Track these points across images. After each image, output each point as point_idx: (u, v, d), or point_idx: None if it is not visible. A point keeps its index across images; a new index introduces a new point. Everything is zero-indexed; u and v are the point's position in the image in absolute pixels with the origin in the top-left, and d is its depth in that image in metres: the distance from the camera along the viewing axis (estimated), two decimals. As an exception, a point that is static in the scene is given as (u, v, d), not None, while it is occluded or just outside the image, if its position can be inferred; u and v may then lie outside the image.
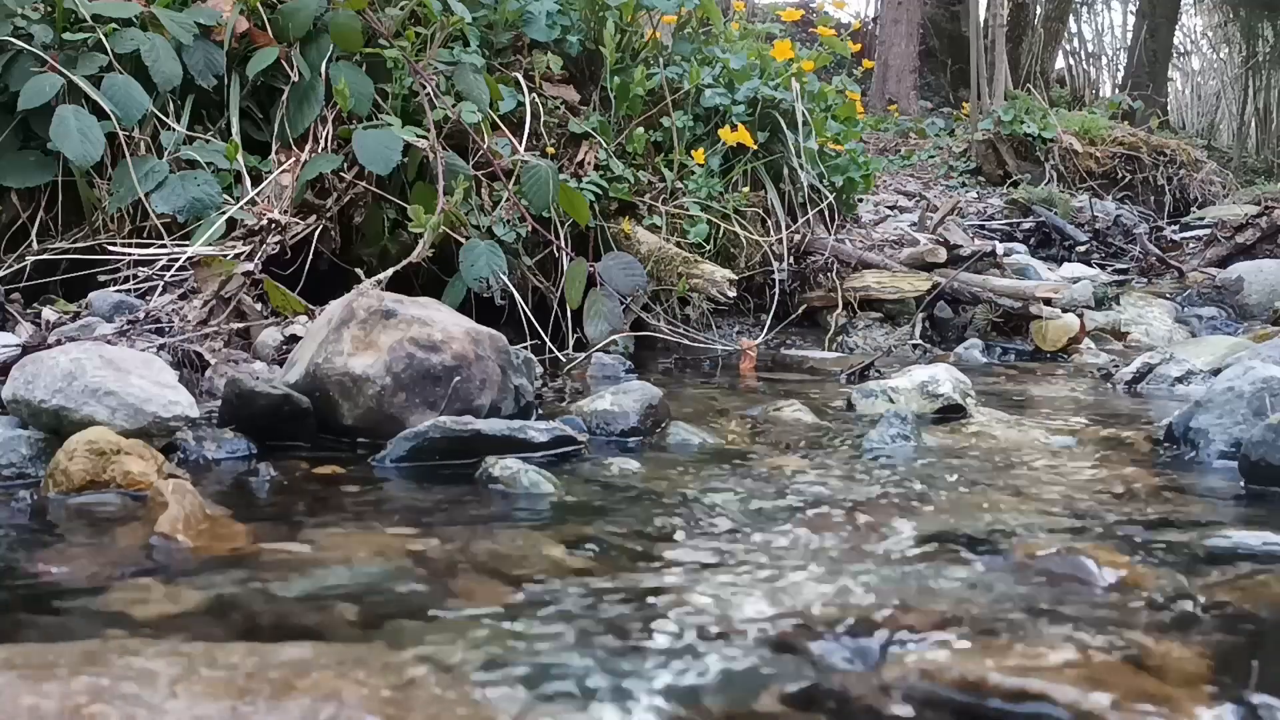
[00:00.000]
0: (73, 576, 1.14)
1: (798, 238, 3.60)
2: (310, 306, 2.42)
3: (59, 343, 1.88)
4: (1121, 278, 4.83)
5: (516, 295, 2.82)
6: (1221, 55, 16.60)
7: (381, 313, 1.85)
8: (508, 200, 2.92)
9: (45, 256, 2.61)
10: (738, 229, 3.41)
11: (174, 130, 2.70)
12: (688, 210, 3.36)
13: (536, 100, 3.22)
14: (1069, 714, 0.82)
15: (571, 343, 2.94)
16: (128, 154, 2.61)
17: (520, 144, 3.04)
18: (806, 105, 3.68)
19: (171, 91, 2.72)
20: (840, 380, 2.66)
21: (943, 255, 3.75)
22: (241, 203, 2.61)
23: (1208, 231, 5.97)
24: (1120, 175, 7.76)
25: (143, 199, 2.57)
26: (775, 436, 1.93)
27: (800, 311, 3.50)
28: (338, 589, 1.09)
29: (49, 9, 2.66)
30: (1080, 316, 3.36)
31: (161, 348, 2.06)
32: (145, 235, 2.61)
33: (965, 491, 1.54)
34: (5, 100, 2.56)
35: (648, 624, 1.01)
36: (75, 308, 2.36)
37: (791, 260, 3.54)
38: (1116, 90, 13.48)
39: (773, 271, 3.46)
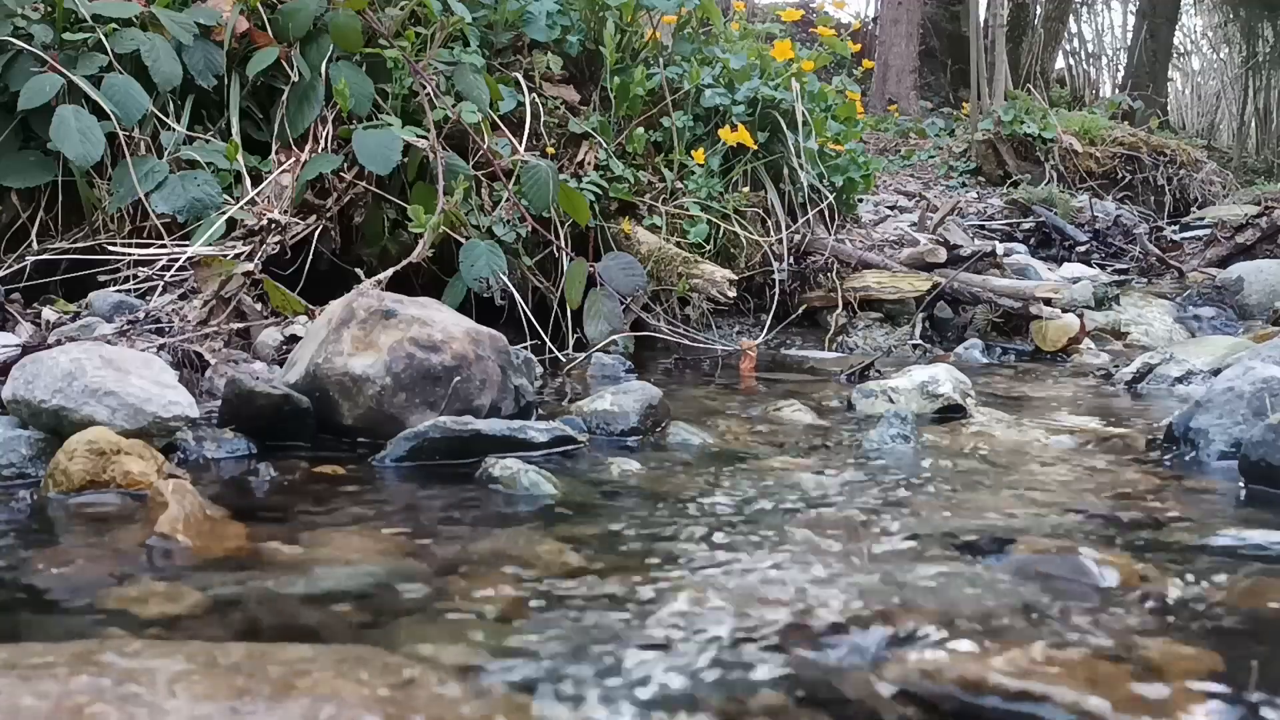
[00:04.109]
0: (72, 576, 1.14)
1: (798, 238, 3.60)
2: (310, 306, 2.42)
3: (59, 343, 1.88)
4: (1121, 278, 4.82)
5: (516, 295, 2.81)
6: (1221, 55, 16.60)
7: (381, 313, 1.85)
8: (508, 200, 2.92)
9: (45, 256, 2.61)
10: (738, 229, 3.41)
11: (174, 130, 2.70)
12: (688, 210, 3.35)
13: (536, 100, 3.22)
14: (1069, 714, 0.82)
15: (571, 343, 2.94)
16: (128, 154, 2.61)
17: (520, 144, 3.04)
18: (806, 105, 3.68)
19: (171, 91, 2.72)
20: (840, 380, 2.66)
21: (943, 255, 3.75)
22: (241, 203, 2.61)
23: (1208, 231, 5.97)
24: (1120, 175, 7.76)
25: (143, 199, 2.57)
26: (775, 436, 1.93)
27: (800, 311, 3.50)
28: (338, 589, 1.09)
29: (49, 9, 2.66)
30: (1080, 317, 3.36)
31: (161, 348, 2.06)
32: (145, 235, 2.61)
33: (965, 491, 1.54)
34: (5, 100, 2.56)
35: (647, 624, 1.01)
36: (75, 308, 2.36)
37: (791, 260, 3.54)
38: (1116, 90, 13.48)
39: (773, 271, 3.46)
